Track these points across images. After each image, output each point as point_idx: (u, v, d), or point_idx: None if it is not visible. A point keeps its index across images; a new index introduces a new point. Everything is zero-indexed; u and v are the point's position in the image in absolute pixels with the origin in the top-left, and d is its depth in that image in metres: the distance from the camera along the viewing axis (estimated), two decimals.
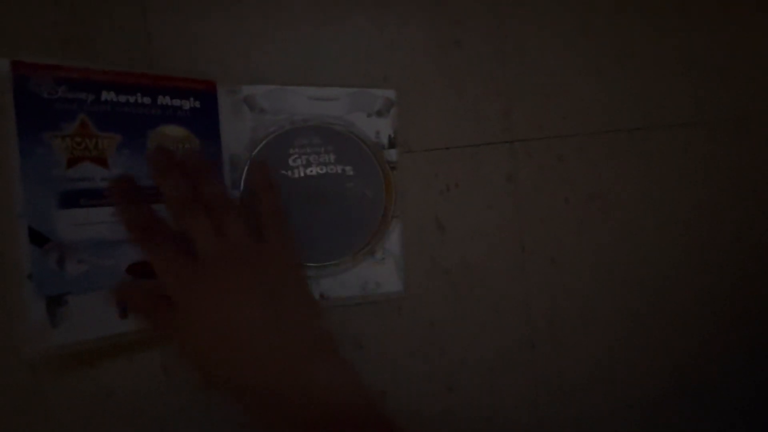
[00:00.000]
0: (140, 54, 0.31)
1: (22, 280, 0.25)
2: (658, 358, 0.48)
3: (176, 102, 0.30)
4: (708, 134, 0.48)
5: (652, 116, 0.46)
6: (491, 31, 0.40)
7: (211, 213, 0.27)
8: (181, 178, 0.27)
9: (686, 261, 0.49)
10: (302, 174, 0.34)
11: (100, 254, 0.27)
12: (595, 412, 0.46)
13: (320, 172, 0.34)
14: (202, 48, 0.33)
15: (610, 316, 0.45)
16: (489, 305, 0.41)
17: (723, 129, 0.49)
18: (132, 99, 0.28)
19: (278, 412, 0.25)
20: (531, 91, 0.41)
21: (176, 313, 0.26)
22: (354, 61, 0.36)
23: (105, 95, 0.28)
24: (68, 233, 0.27)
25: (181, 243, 0.27)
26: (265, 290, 0.27)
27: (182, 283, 0.26)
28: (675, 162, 0.47)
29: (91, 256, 0.27)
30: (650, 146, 0.46)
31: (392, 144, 0.37)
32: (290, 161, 0.34)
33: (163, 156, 0.28)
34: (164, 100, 0.29)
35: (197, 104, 0.30)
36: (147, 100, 0.29)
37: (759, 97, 0.51)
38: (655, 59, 0.46)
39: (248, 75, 0.34)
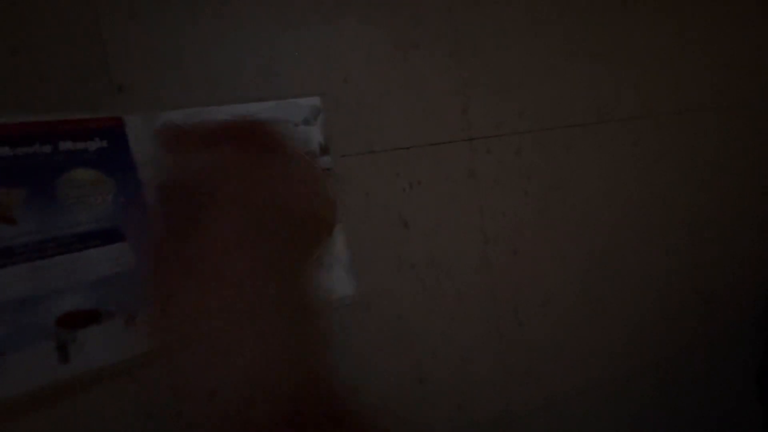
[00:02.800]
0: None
1: None
2: (618, 339, 0.51)
3: (80, 145, 0.29)
4: (656, 127, 0.51)
5: (604, 111, 0.48)
6: (447, 33, 0.41)
7: None
8: None
9: (641, 246, 0.51)
10: None
11: (22, 311, 0.27)
12: (560, 393, 0.48)
13: None
14: (114, 72, 0.32)
15: (571, 300, 0.48)
16: (456, 297, 0.42)
17: (670, 122, 0.52)
18: (30, 150, 0.27)
19: None
20: (487, 90, 0.42)
21: None
22: (313, 63, 0.37)
23: (1, 151, 0.27)
24: None
25: None
26: None
27: None
28: (627, 153, 0.49)
29: (11, 315, 0.27)
30: (603, 139, 0.48)
31: (325, 151, 0.36)
32: None
33: None
34: (66, 145, 0.28)
35: (104, 143, 0.29)
36: (47, 148, 0.28)
37: (701, 90, 0.54)
38: (603, 56, 0.48)
39: (172, 99, 0.33)
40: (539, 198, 0.45)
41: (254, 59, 0.35)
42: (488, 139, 0.43)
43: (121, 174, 0.31)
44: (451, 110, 0.41)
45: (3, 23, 0.29)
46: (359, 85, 0.38)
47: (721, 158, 0.56)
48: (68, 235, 0.29)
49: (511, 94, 0.43)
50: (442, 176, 0.41)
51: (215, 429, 0.22)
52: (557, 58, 0.46)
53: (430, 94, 0.40)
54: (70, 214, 0.29)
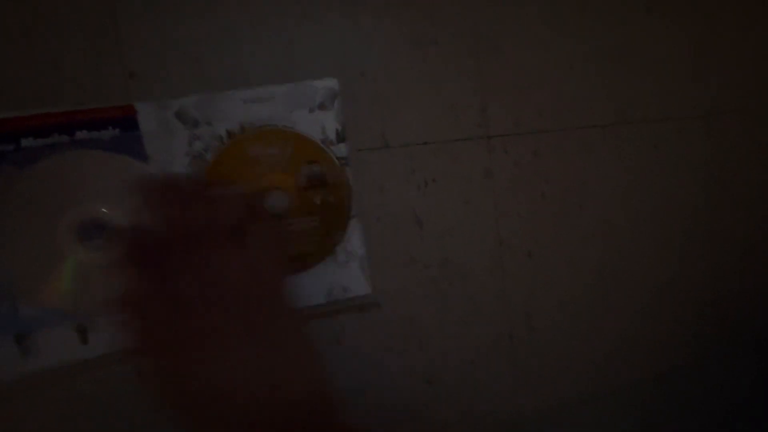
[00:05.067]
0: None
1: None
2: (632, 346, 0.49)
3: (94, 134, 0.30)
4: (678, 130, 0.50)
5: (624, 112, 0.47)
6: (466, 31, 0.40)
7: None
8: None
9: (658, 252, 0.50)
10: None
11: None
12: (572, 400, 0.47)
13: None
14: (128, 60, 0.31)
15: (585, 307, 0.47)
16: (467, 299, 0.41)
17: (692, 125, 0.51)
18: (50, 140, 0.29)
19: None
20: (506, 88, 0.42)
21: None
22: (330, 56, 0.36)
23: (24, 142, 0.28)
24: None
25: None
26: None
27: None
28: (647, 157, 0.48)
29: None
30: (623, 142, 0.47)
31: (341, 138, 0.34)
32: None
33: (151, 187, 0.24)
34: (82, 134, 0.29)
35: (117, 132, 0.30)
36: (65, 138, 0.29)
37: (726, 93, 0.53)
38: (625, 56, 0.47)
39: (185, 85, 0.32)
40: (556, 200, 0.44)
41: (270, 49, 0.34)
42: (506, 138, 0.42)
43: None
44: (470, 107, 0.40)
45: (15, 3, 0.29)
46: (376, 79, 0.37)
47: (744, 164, 0.55)
48: None
49: (530, 92, 0.42)
50: (458, 175, 0.40)
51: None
52: (577, 58, 0.45)
53: (449, 91, 0.40)
54: None
